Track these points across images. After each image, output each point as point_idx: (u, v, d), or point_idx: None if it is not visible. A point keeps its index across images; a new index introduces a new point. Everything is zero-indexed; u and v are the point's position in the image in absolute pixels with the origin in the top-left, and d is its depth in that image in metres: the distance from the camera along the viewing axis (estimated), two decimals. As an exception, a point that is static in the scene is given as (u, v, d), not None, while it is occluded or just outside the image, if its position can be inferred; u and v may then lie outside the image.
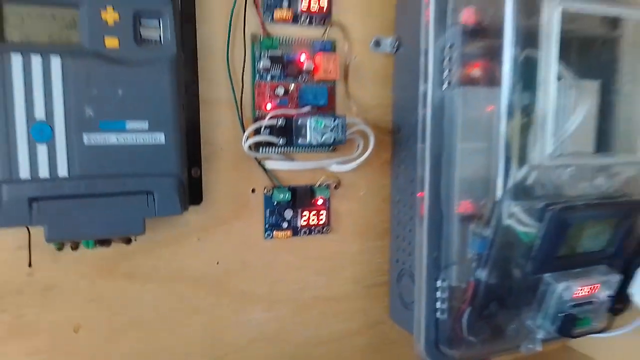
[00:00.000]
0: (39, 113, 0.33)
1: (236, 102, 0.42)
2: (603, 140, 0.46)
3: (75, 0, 0.33)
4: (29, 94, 0.33)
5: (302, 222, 0.46)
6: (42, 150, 0.33)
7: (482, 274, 0.42)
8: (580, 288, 0.41)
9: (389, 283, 0.49)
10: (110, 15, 0.34)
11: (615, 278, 0.43)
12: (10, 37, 0.33)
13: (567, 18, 0.36)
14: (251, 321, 0.46)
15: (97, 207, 0.35)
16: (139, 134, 0.35)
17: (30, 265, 0.37)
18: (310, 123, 0.40)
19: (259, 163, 0.44)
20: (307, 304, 0.48)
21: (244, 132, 0.42)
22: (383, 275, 0.50)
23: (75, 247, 0.39)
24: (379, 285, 0.50)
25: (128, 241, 0.40)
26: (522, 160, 0.38)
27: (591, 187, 0.40)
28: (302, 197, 0.45)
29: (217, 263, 0.44)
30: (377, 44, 0.46)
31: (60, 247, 0.38)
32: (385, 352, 0.52)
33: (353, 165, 0.44)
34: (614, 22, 0.44)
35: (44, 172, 0.33)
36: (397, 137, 0.47)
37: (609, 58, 0.46)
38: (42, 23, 0.33)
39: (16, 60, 0.32)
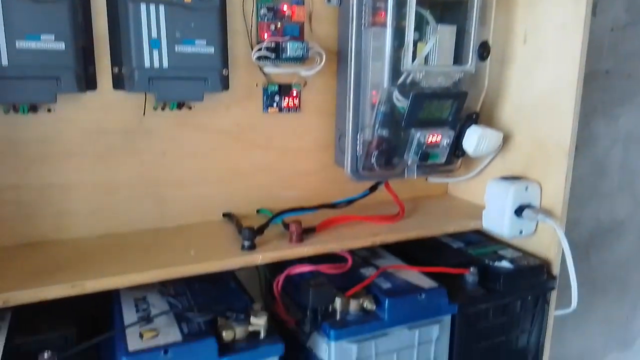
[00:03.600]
0: (154, 34, 0.66)
1: (248, 32, 0.76)
2: (457, 58, 0.81)
3: (170, -23, 0.66)
4: (149, 25, 0.66)
5: (284, 104, 0.81)
6: (155, 53, 0.67)
7: (381, 131, 0.78)
8: (430, 135, 0.78)
9: (334, 141, 0.86)
10: (187, -15, 0.67)
11: (452, 133, 0.79)
12: (139, -5, 0.66)
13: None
14: (254, 158, 0.82)
15: (181, 85, 0.70)
16: (201, 47, 0.69)
17: (144, 114, 0.72)
18: (289, 45, 0.74)
19: (260, 69, 0.78)
20: (288, 151, 0.84)
21: (252, 49, 0.76)
22: (330, 137, 0.85)
23: (163, 108, 0.73)
24: (327, 143, 0.86)
25: (190, 107, 0.75)
26: (399, 68, 0.73)
27: (436, 83, 0.76)
28: (284, 89, 0.80)
29: (237, 124, 0.79)
30: (329, 0, 0.80)
31: (156, 107, 0.73)
32: (331, 178, 0.88)
33: (313, 71, 0.79)
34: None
35: (156, 64, 0.67)
36: (339, 57, 0.82)
37: (463, 12, 0.80)
38: (153, -12, 0.66)
39: (143, 7, 0.65)
